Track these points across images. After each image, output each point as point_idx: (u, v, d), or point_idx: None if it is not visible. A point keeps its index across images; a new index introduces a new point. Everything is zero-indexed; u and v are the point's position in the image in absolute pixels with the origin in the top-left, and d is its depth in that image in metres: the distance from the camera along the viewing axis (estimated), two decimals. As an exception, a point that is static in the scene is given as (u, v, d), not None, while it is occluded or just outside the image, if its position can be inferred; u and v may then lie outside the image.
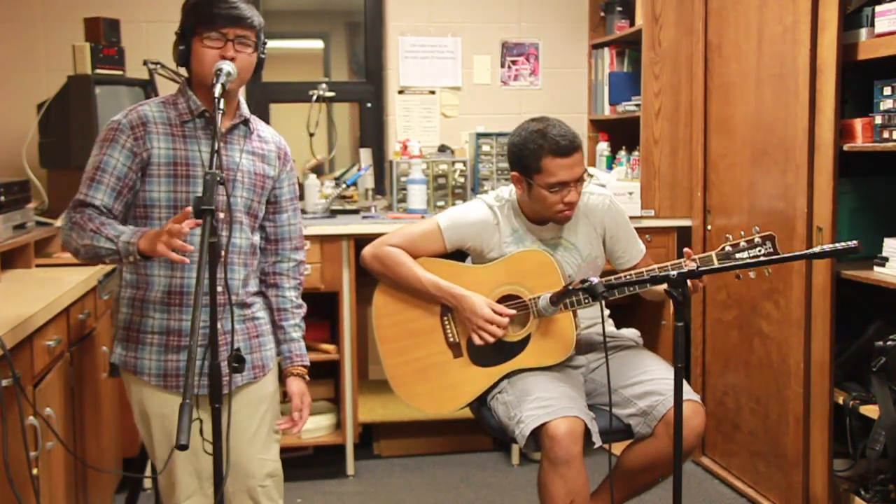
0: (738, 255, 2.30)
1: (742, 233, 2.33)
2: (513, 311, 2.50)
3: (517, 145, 2.50)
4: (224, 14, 2.05)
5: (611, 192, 2.69)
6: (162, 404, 2.15)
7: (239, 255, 2.20)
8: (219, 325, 2.05)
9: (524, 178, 2.50)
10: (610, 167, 4.17)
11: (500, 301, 2.53)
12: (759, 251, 2.27)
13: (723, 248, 2.32)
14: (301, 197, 2.89)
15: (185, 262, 1.97)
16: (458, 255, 2.68)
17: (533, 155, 2.45)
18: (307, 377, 2.37)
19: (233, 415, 2.13)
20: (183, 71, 2.20)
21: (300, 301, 2.38)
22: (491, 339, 2.49)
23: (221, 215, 2.08)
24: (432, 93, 4.31)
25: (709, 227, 3.62)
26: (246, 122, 2.21)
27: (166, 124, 2.13)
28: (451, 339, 2.58)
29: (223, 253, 2.05)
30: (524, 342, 2.52)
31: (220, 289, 1.93)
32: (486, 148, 4.09)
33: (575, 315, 2.51)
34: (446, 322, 2.58)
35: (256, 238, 2.27)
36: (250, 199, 2.20)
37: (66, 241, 2.10)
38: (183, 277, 2.12)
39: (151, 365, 2.15)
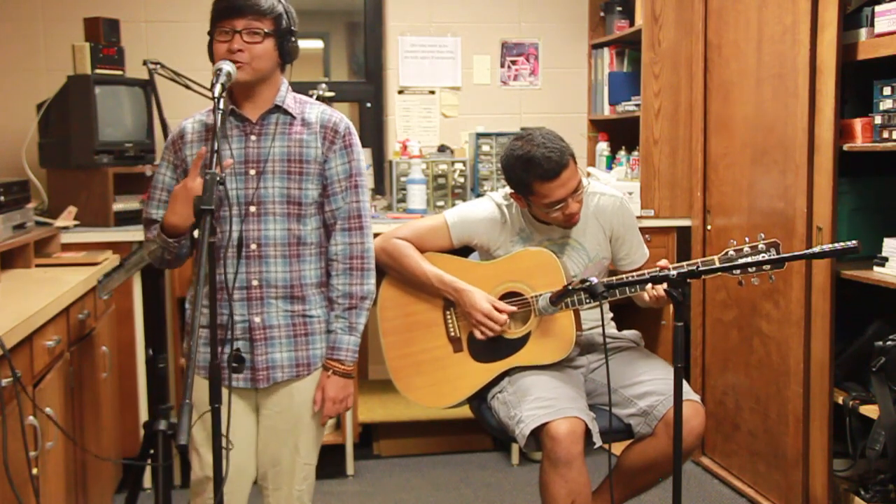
0: (740, 261, 2.28)
1: (747, 238, 2.32)
2: (512, 308, 2.50)
3: (506, 170, 2.49)
4: (227, 6, 2.05)
5: (621, 193, 2.67)
6: (203, 393, 2.12)
7: (275, 248, 2.15)
8: (258, 320, 2.16)
9: (521, 197, 2.52)
10: (610, 167, 4.17)
11: (502, 298, 2.54)
12: (763, 258, 2.26)
13: (726, 253, 2.31)
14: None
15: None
16: (468, 250, 2.70)
17: (523, 181, 2.44)
18: (336, 371, 2.21)
19: (277, 413, 2.21)
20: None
21: (351, 289, 2.21)
22: (490, 334, 2.49)
23: (253, 209, 2.13)
24: (432, 93, 4.31)
25: (709, 227, 3.62)
26: (280, 109, 2.17)
27: (201, 131, 2.19)
28: (453, 334, 2.59)
29: (255, 247, 2.13)
30: (524, 339, 2.53)
31: (255, 283, 2.14)
32: (485, 148, 4.09)
33: (578, 316, 2.52)
34: (448, 317, 2.59)
35: (306, 227, 2.18)
36: (286, 188, 2.15)
37: (150, 260, 2.24)
38: (219, 274, 2.08)
39: (199, 357, 2.15)
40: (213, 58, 2.12)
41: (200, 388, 2.12)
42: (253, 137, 2.15)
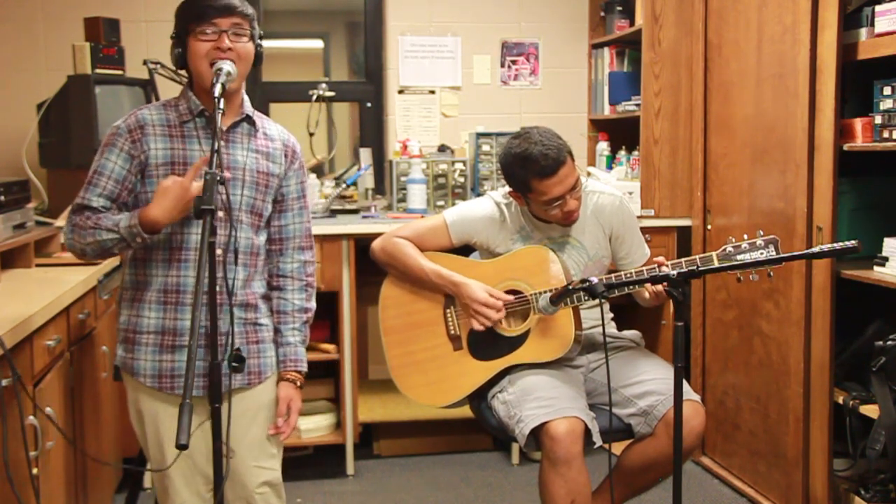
0: (739, 257, 2.29)
1: (745, 235, 2.33)
2: (509, 297, 2.51)
3: (504, 168, 2.51)
4: (216, 5, 2.04)
5: (621, 192, 2.67)
6: (155, 405, 2.14)
7: (239, 255, 2.16)
8: (218, 325, 2.06)
9: (520, 196, 2.52)
10: (610, 167, 4.17)
11: None
12: (762, 254, 2.26)
13: (724, 249, 2.31)
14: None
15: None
16: (469, 250, 2.71)
17: (520, 178, 2.45)
18: (300, 383, 2.28)
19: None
20: (184, 73, 2.20)
21: (305, 304, 2.30)
22: (489, 323, 2.49)
23: (221, 214, 2.08)
24: (432, 92, 4.31)
25: (709, 227, 3.62)
26: (249, 119, 2.19)
27: (164, 126, 2.13)
28: (452, 332, 2.59)
29: (221, 252, 2.05)
30: (523, 337, 2.53)
31: (217, 288, 1.94)
32: (485, 148, 4.09)
33: (578, 314, 2.52)
34: (448, 315, 2.60)
35: (261, 238, 2.22)
36: (253, 198, 2.17)
37: (71, 246, 2.11)
38: (179, 276, 2.10)
39: (146, 366, 2.12)
40: (182, 61, 2.11)
41: (153, 401, 2.12)
42: (222, 143, 2.09)
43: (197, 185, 1.96)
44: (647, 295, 2.47)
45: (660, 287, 2.33)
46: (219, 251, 2.03)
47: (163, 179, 2.04)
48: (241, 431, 2.17)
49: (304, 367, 2.30)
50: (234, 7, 2.06)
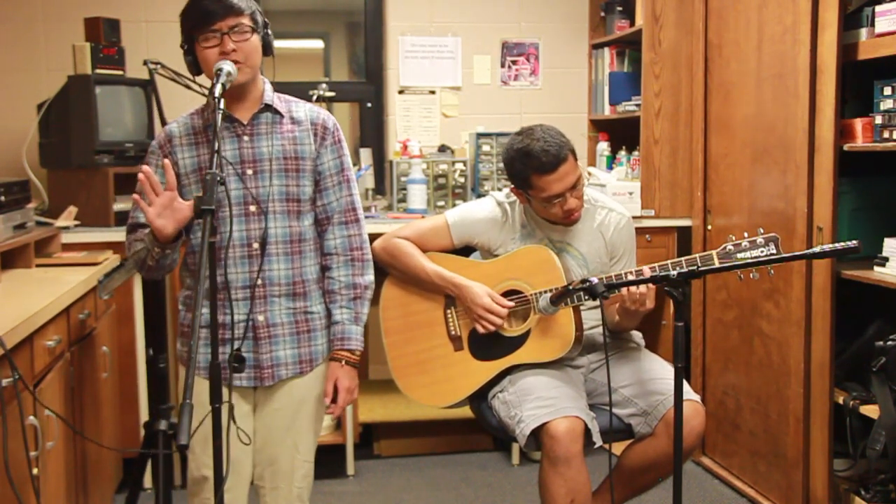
0: (739, 255, 2.29)
1: (746, 233, 2.33)
2: (511, 304, 2.51)
3: (506, 164, 2.52)
4: (211, 10, 2.05)
5: (629, 213, 2.67)
6: (203, 393, 2.13)
7: (276, 246, 2.16)
8: (262, 318, 2.17)
9: (521, 193, 2.53)
10: (610, 167, 4.17)
11: (502, 296, 2.54)
12: (762, 252, 2.26)
13: (724, 248, 2.31)
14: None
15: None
16: (469, 250, 2.71)
17: (521, 174, 2.46)
18: (349, 361, 2.23)
19: (276, 410, 2.20)
20: (202, 80, 2.23)
21: (354, 280, 2.24)
22: (492, 328, 2.49)
23: (253, 208, 2.13)
24: (432, 93, 4.31)
25: (709, 227, 3.62)
26: (270, 108, 2.18)
27: (190, 134, 2.18)
28: (453, 333, 2.59)
29: (258, 246, 2.13)
30: (524, 337, 2.53)
31: (259, 281, 2.13)
32: (486, 148, 4.09)
33: (579, 314, 2.52)
34: (449, 315, 2.60)
35: (305, 223, 2.20)
36: (285, 185, 2.17)
37: (133, 264, 2.21)
38: (221, 275, 2.11)
39: (199, 358, 2.14)
40: (196, 68, 2.13)
41: (201, 388, 2.12)
42: (245, 138, 2.15)
43: (187, 205, 2.01)
44: (616, 318, 2.49)
45: (632, 294, 2.32)
46: (255, 245, 2.13)
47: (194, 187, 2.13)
48: (287, 421, 2.22)
49: (354, 346, 2.24)
50: (230, 7, 2.06)
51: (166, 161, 2.05)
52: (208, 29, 2.05)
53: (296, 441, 2.23)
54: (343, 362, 2.24)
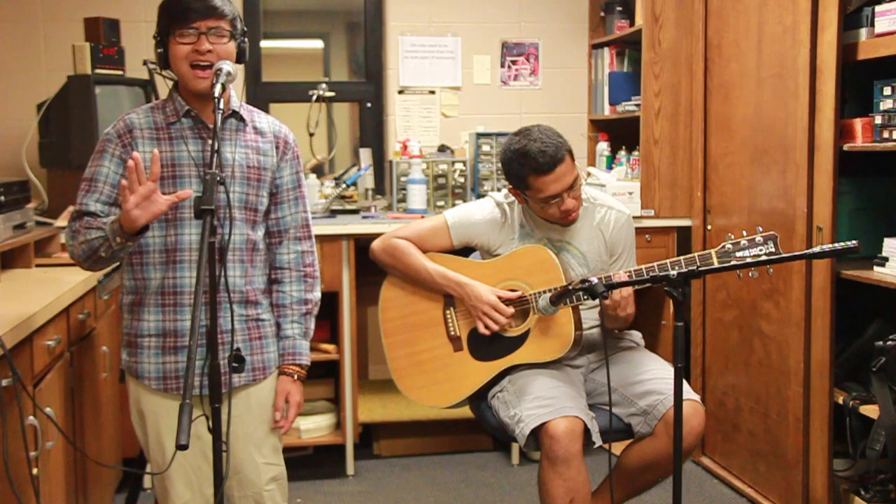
0: (738, 254, 2.29)
1: (744, 232, 2.33)
2: (512, 310, 2.51)
3: (504, 164, 2.52)
4: (194, 7, 2.04)
5: (629, 211, 2.67)
6: (157, 407, 2.14)
7: (234, 252, 2.15)
8: (218, 325, 2.06)
9: (519, 193, 2.53)
10: (610, 167, 4.17)
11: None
12: (761, 250, 2.26)
13: (723, 246, 2.32)
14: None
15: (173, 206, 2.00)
16: (469, 250, 2.71)
17: (518, 175, 2.46)
18: (300, 376, 2.27)
19: (233, 418, 2.11)
20: (169, 73, 2.18)
21: (305, 296, 2.28)
22: (495, 327, 2.49)
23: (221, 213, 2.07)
24: (432, 93, 4.31)
25: (709, 227, 3.62)
26: (236, 115, 2.18)
27: (152, 128, 2.14)
28: (453, 333, 2.59)
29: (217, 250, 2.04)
30: (523, 337, 2.53)
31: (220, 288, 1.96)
32: (485, 148, 4.09)
33: (578, 314, 2.52)
34: (448, 316, 2.60)
35: (258, 233, 2.22)
36: (245, 194, 2.16)
37: (71, 252, 2.12)
38: (175, 277, 2.11)
39: (150, 368, 2.13)
40: (164, 62, 2.12)
41: (157, 402, 2.12)
42: (210, 141, 2.12)
43: (165, 199, 1.95)
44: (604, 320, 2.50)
45: (616, 300, 2.33)
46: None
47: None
48: (247, 428, 2.19)
49: (304, 361, 2.28)
50: (213, 9, 2.05)
51: (156, 152, 1.95)
52: (187, 25, 2.05)
53: (258, 446, 2.21)
54: (294, 377, 2.26)
